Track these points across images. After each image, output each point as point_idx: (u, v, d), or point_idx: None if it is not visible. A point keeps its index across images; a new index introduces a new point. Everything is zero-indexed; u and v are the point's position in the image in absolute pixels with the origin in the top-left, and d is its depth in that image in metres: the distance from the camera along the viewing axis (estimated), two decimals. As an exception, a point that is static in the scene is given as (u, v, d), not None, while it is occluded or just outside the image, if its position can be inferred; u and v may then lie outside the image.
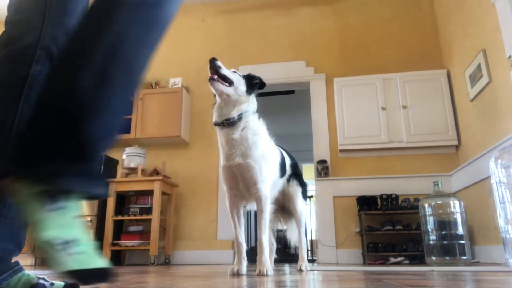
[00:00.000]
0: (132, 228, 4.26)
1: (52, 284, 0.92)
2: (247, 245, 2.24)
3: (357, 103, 4.42)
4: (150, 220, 4.03)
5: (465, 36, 3.86)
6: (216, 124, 2.02)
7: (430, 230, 3.27)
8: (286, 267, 3.02)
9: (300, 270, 2.29)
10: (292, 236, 2.56)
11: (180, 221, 4.55)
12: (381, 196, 3.98)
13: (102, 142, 0.78)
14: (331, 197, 4.26)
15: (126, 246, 4.09)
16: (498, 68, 3.20)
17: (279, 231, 2.81)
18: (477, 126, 3.66)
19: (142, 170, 4.30)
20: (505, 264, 2.61)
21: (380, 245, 3.81)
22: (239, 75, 2.10)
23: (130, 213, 4.14)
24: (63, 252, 0.69)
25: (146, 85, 4.94)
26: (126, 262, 4.47)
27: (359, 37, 4.84)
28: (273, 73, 4.71)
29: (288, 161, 2.42)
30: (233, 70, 2.09)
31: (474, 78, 3.61)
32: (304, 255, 2.39)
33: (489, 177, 2.86)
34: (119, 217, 4.14)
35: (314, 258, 6.55)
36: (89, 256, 0.73)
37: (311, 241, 7.12)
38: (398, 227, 3.82)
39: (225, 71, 2.00)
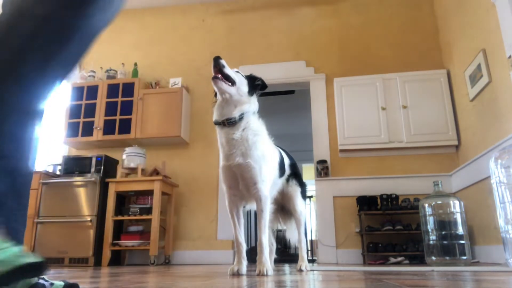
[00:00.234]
0: (132, 228, 4.26)
1: (51, 284, 0.92)
2: (247, 245, 2.24)
3: (357, 103, 4.42)
4: (150, 220, 4.03)
5: (465, 36, 3.86)
6: (217, 123, 2.01)
7: (430, 230, 3.27)
8: (286, 267, 3.02)
9: (300, 270, 2.29)
10: (292, 236, 2.56)
11: (180, 221, 4.55)
12: (381, 196, 3.98)
13: None
14: (331, 197, 4.26)
15: (126, 246, 4.09)
16: (498, 68, 3.20)
17: (278, 231, 2.81)
18: (477, 126, 3.66)
19: (142, 170, 4.30)
20: (505, 264, 2.61)
21: (380, 245, 3.81)
22: (242, 75, 2.09)
23: (130, 213, 4.14)
24: None
25: (146, 85, 4.94)
26: (126, 262, 4.47)
27: (359, 37, 4.84)
28: (273, 73, 4.71)
29: (287, 161, 2.41)
30: (236, 70, 2.08)
31: (474, 78, 3.61)
32: (304, 255, 2.39)
33: (489, 177, 2.86)
34: (119, 217, 4.14)
35: (314, 258, 6.54)
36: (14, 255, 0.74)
37: (311, 241, 7.12)
38: (398, 227, 3.82)
39: (228, 70, 1.99)
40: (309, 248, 6.76)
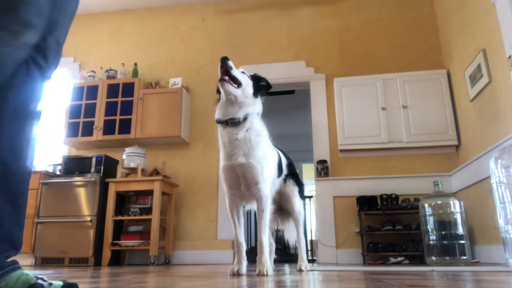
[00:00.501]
0: (132, 228, 4.26)
1: (50, 284, 0.92)
2: (247, 245, 2.24)
3: (357, 103, 4.42)
4: (150, 220, 4.03)
5: (465, 36, 3.86)
6: (219, 121, 2.01)
7: (430, 230, 3.27)
8: (286, 267, 3.02)
9: (300, 270, 2.29)
10: (290, 236, 2.55)
11: (180, 221, 4.55)
12: (381, 196, 3.98)
13: None
14: (331, 197, 4.26)
15: (126, 246, 4.09)
16: (498, 68, 3.20)
17: (277, 231, 2.81)
18: (477, 126, 3.66)
19: (142, 170, 4.31)
20: (505, 264, 2.61)
21: (380, 245, 3.81)
22: (248, 76, 2.09)
23: (130, 213, 4.14)
24: None
25: (146, 85, 4.94)
26: (126, 262, 4.47)
27: (359, 37, 4.84)
28: (273, 73, 4.70)
29: (284, 161, 2.41)
30: (241, 70, 2.08)
31: (474, 78, 3.61)
32: (303, 255, 2.39)
33: (489, 177, 2.86)
34: (119, 217, 4.13)
35: (314, 258, 6.54)
36: None
37: (311, 241, 7.12)
38: (398, 227, 3.82)
39: (235, 72, 1.98)
40: (309, 248, 6.76)
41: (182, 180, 4.66)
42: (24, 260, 4.05)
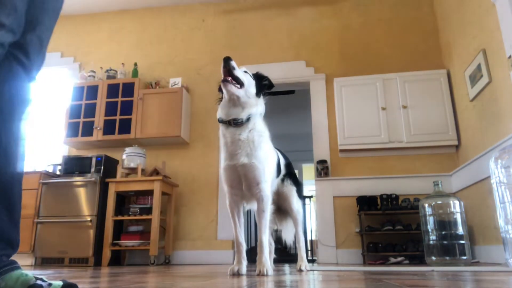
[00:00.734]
0: (132, 228, 4.26)
1: (50, 284, 0.92)
2: (247, 245, 2.24)
3: (357, 103, 4.42)
4: (150, 220, 4.03)
5: (465, 36, 3.86)
6: (222, 121, 2.00)
7: (430, 230, 3.27)
8: (286, 267, 3.02)
9: (300, 270, 2.29)
10: (287, 236, 2.55)
11: (180, 221, 4.55)
12: (381, 196, 3.98)
13: None
14: (331, 197, 4.26)
15: (126, 246, 4.09)
16: (498, 68, 3.20)
17: (275, 231, 2.80)
18: (477, 126, 3.66)
19: (142, 170, 4.30)
20: (505, 264, 2.61)
21: (380, 245, 3.81)
22: (250, 75, 2.08)
23: (130, 213, 4.14)
24: None
25: (146, 85, 4.94)
26: (126, 262, 4.47)
27: (359, 37, 4.84)
28: (273, 73, 4.63)
29: (282, 161, 2.41)
30: (244, 69, 2.06)
31: (474, 78, 3.61)
32: (303, 254, 2.39)
33: (489, 177, 2.86)
34: (119, 217, 4.13)
35: (314, 258, 6.54)
36: None
37: (311, 241, 7.12)
38: (398, 227, 3.82)
39: (238, 72, 1.97)
40: (309, 248, 6.76)
41: (182, 180, 4.66)
42: (24, 260, 4.05)
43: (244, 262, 1.99)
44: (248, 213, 6.88)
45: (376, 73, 4.51)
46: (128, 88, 4.80)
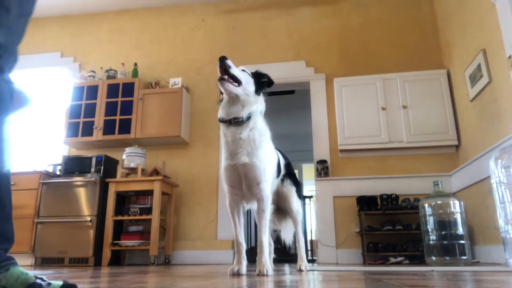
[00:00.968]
0: (132, 228, 4.26)
1: (49, 284, 0.92)
2: (247, 245, 2.24)
3: (357, 103, 4.42)
4: (150, 220, 4.03)
5: (465, 36, 3.86)
6: (223, 121, 2.00)
7: (430, 230, 3.27)
8: (286, 267, 3.02)
9: (300, 270, 2.29)
10: (286, 236, 2.55)
11: (180, 221, 4.55)
12: (381, 196, 3.98)
13: None
14: (331, 197, 4.26)
15: (126, 246, 4.09)
16: (498, 68, 3.20)
17: (274, 231, 2.81)
18: (477, 126, 3.66)
19: (142, 170, 4.30)
20: (505, 264, 2.61)
21: (380, 245, 3.81)
22: (248, 74, 2.08)
23: (130, 213, 4.14)
24: None
25: (146, 85, 4.94)
26: (126, 262, 4.47)
27: (359, 37, 4.84)
28: (273, 73, 4.61)
29: (282, 161, 2.41)
30: (242, 68, 2.07)
31: (474, 78, 3.61)
32: (303, 254, 2.39)
33: (489, 177, 2.86)
34: (119, 217, 4.13)
35: (314, 258, 6.54)
36: None
37: (311, 241, 7.12)
38: (398, 227, 3.82)
39: (234, 70, 1.97)
40: (309, 248, 6.76)
41: (182, 180, 4.66)
42: (24, 260, 4.05)
43: (244, 262, 1.99)
44: (248, 213, 6.89)
45: (376, 73, 4.51)
46: (128, 88, 4.80)
